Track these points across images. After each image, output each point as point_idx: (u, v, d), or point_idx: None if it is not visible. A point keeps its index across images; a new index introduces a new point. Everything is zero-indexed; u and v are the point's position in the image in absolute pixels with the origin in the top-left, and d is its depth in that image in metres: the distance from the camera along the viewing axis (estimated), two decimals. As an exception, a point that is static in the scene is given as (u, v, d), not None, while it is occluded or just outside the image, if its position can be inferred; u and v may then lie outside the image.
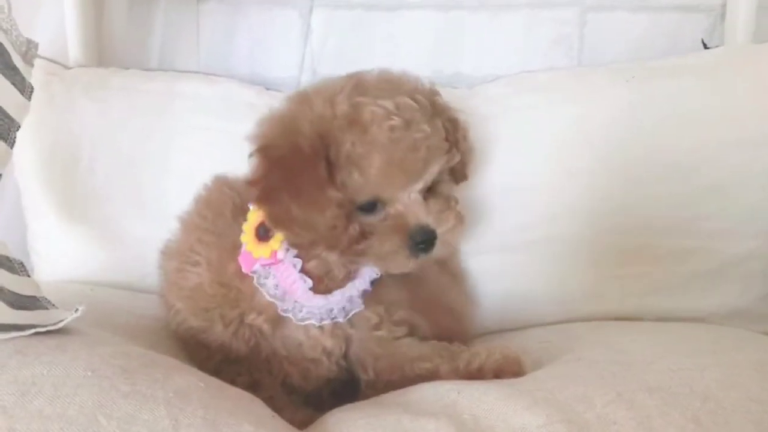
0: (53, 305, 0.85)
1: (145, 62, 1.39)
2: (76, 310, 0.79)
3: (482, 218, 1.12)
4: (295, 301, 0.83)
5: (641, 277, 1.11)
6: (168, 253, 0.94)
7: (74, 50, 1.30)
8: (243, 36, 1.39)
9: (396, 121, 0.76)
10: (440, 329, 0.96)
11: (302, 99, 0.82)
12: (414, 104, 0.79)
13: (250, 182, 0.78)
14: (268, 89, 1.25)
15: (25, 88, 1.02)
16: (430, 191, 0.82)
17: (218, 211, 0.89)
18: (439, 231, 0.79)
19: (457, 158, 0.84)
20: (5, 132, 0.96)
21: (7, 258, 0.87)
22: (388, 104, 0.77)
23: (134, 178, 1.19)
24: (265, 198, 0.77)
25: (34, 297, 0.85)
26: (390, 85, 0.82)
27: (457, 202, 0.85)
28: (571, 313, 1.10)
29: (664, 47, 1.31)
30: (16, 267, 0.87)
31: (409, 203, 0.79)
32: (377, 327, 0.87)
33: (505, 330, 1.13)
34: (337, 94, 0.78)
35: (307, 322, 0.84)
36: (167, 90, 1.22)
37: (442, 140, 0.81)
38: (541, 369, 0.81)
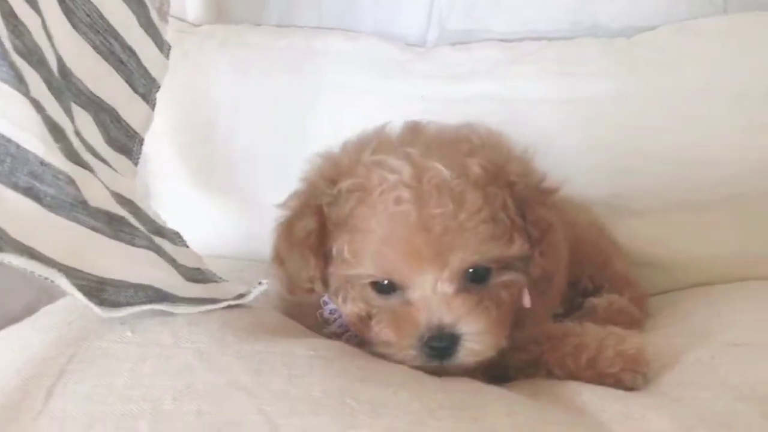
0: (222, 278, 0.84)
1: (264, 18, 1.35)
2: (260, 283, 0.77)
3: (664, 176, 1.10)
4: None
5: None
6: None
7: (193, 6, 1.27)
8: (366, -11, 1.34)
9: (404, 192, 0.67)
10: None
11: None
12: (445, 172, 0.67)
13: None
14: (409, 44, 1.22)
15: (163, 46, 0.99)
16: (480, 281, 0.70)
17: None
18: (463, 332, 0.67)
19: (517, 250, 0.70)
20: (148, 93, 0.95)
21: (167, 228, 0.85)
22: (405, 169, 0.68)
23: (275, 142, 1.16)
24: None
25: (200, 269, 0.83)
26: (437, 144, 0.73)
27: (507, 301, 0.72)
28: (756, 273, 1.06)
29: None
30: (175, 238, 0.86)
31: (426, 293, 0.68)
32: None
33: (682, 288, 1.10)
34: (362, 150, 0.74)
35: None
36: (306, 47, 1.20)
37: (485, 221, 0.67)
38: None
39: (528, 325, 0.76)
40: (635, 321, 0.90)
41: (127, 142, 0.91)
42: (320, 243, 0.73)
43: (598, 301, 0.92)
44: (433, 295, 0.67)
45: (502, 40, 1.22)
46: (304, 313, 0.80)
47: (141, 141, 0.95)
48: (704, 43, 1.13)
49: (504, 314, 0.71)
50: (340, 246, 0.70)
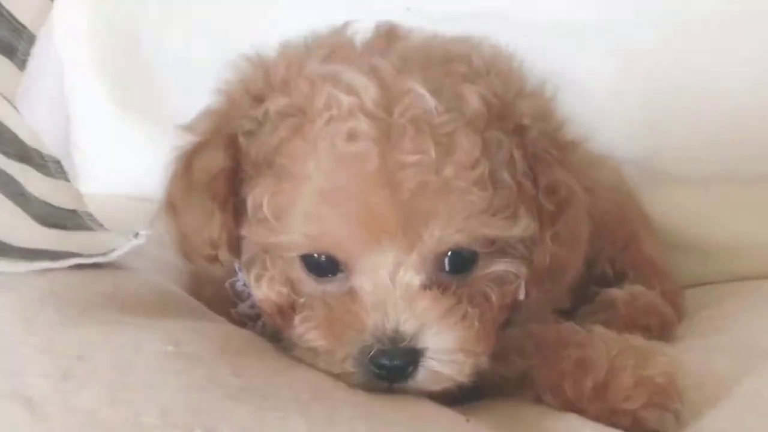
0: (101, 225, 0.73)
1: None
2: (137, 234, 0.64)
3: (715, 134, 0.98)
4: None
5: None
6: None
7: None
8: None
9: (362, 123, 0.51)
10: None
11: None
12: (428, 99, 0.52)
13: None
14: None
15: None
16: (460, 271, 0.56)
17: None
18: (428, 347, 0.52)
19: (521, 229, 0.55)
20: (45, -21, 0.96)
21: (40, 154, 0.76)
22: (367, 89, 0.52)
23: (217, 56, 0.97)
24: None
25: (73, 211, 0.73)
26: (421, 59, 0.57)
27: (496, 303, 0.58)
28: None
29: None
30: (51, 167, 0.77)
31: (381, 282, 0.53)
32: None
33: (729, 280, 0.99)
34: (307, 57, 0.59)
35: None
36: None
37: (481, 182, 0.52)
38: None
39: (515, 323, 0.62)
40: (666, 324, 0.79)
41: (11, 38, 0.87)
42: (230, 190, 0.58)
43: (618, 294, 0.79)
44: (390, 287, 0.53)
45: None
46: (210, 281, 0.67)
47: (31, 38, 0.90)
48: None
49: (489, 322, 0.56)
50: (258, 197, 0.55)
